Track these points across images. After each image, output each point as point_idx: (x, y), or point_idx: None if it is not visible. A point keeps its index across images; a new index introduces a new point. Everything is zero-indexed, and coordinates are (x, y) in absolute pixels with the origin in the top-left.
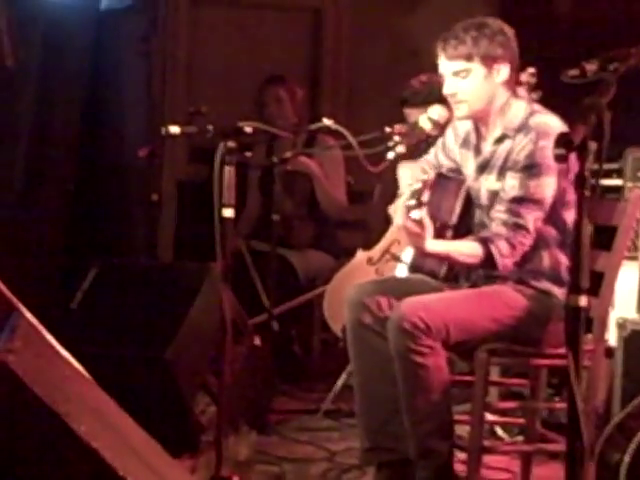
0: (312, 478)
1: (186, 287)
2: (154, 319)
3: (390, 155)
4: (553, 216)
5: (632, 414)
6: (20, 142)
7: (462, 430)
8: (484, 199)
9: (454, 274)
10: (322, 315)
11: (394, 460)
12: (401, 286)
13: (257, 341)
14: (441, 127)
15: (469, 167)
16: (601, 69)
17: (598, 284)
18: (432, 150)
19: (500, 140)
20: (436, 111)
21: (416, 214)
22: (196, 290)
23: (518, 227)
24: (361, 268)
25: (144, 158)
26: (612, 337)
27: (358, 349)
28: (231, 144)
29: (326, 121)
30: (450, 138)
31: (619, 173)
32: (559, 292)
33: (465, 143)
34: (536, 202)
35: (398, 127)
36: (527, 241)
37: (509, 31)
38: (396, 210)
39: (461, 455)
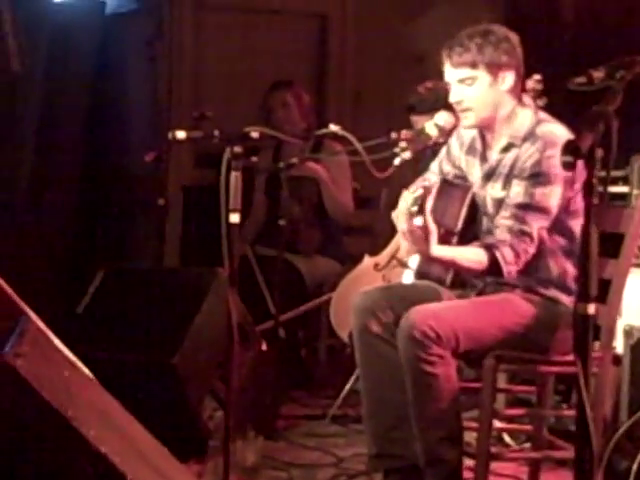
0: None
1: (193, 292)
2: (161, 324)
3: (396, 161)
4: (559, 225)
5: None
6: (25, 146)
7: (470, 437)
8: (490, 207)
9: (461, 281)
10: (329, 321)
11: (401, 466)
12: (407, 292)
13: (264, 346)
14: (447, 133)
15: (475, 174)
16: (608, 77)
17: (605, 291)
18: (434, 164)
19: (506, 149)
20: (442, 117)
21: (419, 220)
22: (203, 295)
23: (523, 234)
24: (368, 274)
25: (150, 163)
26: (619, 345)
27: (365, 355)
28: (237, 149)
29: (333, 127)
30: (455, 146)
31: (625, 180)
32: (567, 300)
33: (471, 150)
34: (541, 210)
35: (404, 133)
36: (531, 249)
37: (514, 38)
38: (398, 216)
39: (469, 462)
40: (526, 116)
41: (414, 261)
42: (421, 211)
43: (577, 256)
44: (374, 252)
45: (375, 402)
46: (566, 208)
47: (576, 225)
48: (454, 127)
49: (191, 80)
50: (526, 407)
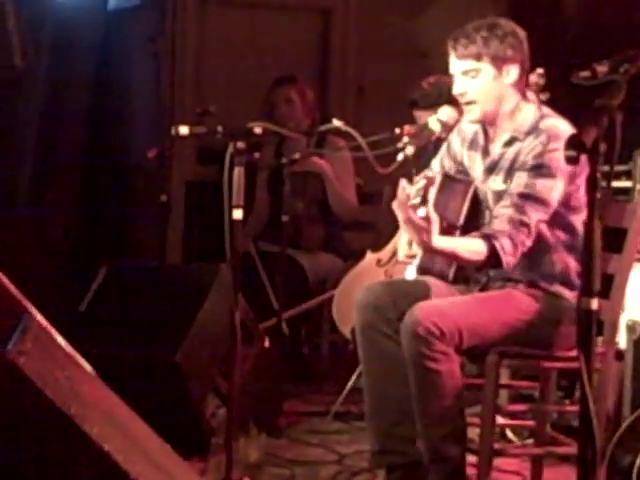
0: None
1: (195, 288)
2: (163, 321)
3: (399, 156)
4: (560, 220)
5: None
6: (28, 142)
7: (472, 433)
8: (491, 201)
9: (464, 276)
10: (331, 317)
11: (404, 463)
12: (410, 288)
13: (267, 343)
14: (450, 128)
15: (477, 169)
16: (612, 71)
17: (608, 287)
18: (435, 161)
19: (509, 143)
20: (445, 112)
21: (422, 212)
22: (205, 291)
23: (522, 225)
24: (370, 270)
25: (153, 159)
26: (622, 340)
27: (368, 351)
28: (240, 145)
29: (336, 122)
30: (455, 142)
31: (628, 175)
32: (570, 295)
33: (473, 145)
34: (542, 202)
35: (407, 128)
36: (528, 242)
37: (521, 33)
38: (399, 207)
39: (472, 458)
40: (530, 111)
41: (417, 257)
42: (424, 202)
43: (580, 251)
44: (377, 248)
45: (378, 398)
46: (567, 203)
47: (577, 220)
48: (457, 122)
49: (194, 76)
50: (529, 403)
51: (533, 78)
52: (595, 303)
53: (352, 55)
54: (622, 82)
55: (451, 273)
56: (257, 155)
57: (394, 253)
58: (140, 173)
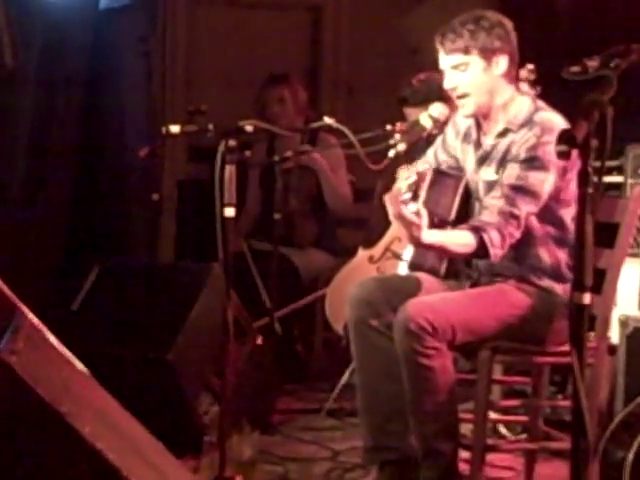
0: (315, 477)
1: (188, 287)
2: (156, 319)
3: (391, 153)
4: (549, 214)
5: (635, 412)
6: (20, 142)
7: (465, 429)
8: (482, 191)
9: (455, 271)
10: (324, 314)
11: (397, 459)
12: (402, 284)
13: (259, 341)
14: (441, 125)
15: (469, 161)
16: (603, 65)
17: (600, 281)
18: (429, 151)
19: (502, 134)
20: (437, 109)
21: (413, 207)
22: (198, 290)
23: (512, 217)
24: (362, 266)
25: (144, 158)
26: (615, 335)
27: (360, 347)
28: (232, 143)
29: (327, 120)
30: (450, 134)
31: (620, 170)
32: (560, 289)
33: (466, 138)
34: (533, 195)
35: (399, 125)
36: (517, 234)
37: (508, 24)
38: (390, 201)
39: (465, 454)
40: (524, 103)
41: (408, 253)
42: (415, 197)
43: (569, 245)
44: (369, 244)
45: (370, 394)
46: (557, 197)
47: (567, 214)
48: (448, 119)
49: (185, 75)
50: (522, 398)
51: (523, 74)
52: (587, 298)
53: (343, 52)
54: (613, 77)
55: (442, 269)
56: (248, 153)
57: (386, 249)
58: (132, 172)
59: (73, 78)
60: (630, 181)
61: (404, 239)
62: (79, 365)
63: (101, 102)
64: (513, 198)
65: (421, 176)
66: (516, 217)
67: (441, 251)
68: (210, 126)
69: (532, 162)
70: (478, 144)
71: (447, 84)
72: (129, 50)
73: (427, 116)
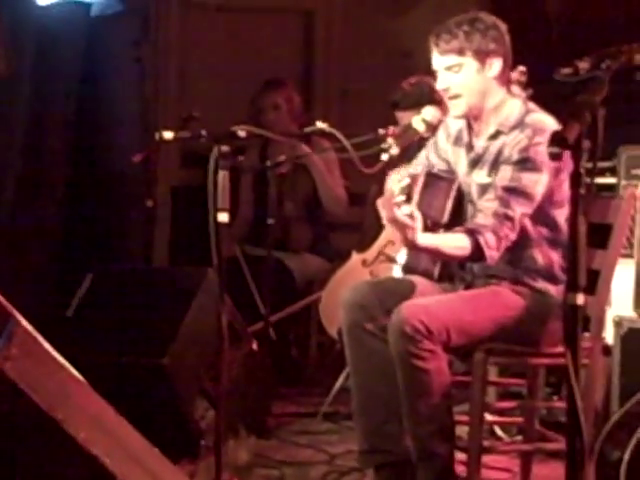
0: None
1: (182, 292)
2: (151, 325)
3: (384, 157)
4: (542, 215)
5: (631, 412)
6: (13, 148)
7: (461, 431)
8: (475, 194)
9: (449, 274)
10: (319, 319)
11: (393, 462)
12: (396, 287)
13: (254, 345)
14: (434, 128)
15: (461, 164)
16: (593, 67)
17: (594, 282)
18: (422, 153)
19: (494, 136)
20: (429, 112)
21: (406, 209)
22: (192, 295)
23: (506, 218)
24: (356, 270)
25: (138, 164)
26: (609, 335)
27: (355, 350)
28: (225, 148)
29: (320, 124)
30: (442, 137)
31: (613, 171)
32: (555, 290)
33: (457, 140)
34: (526, 196)
35: (391, 129)
36: (512, 235)
37: (502, 26)
38: (384, 205)
39: (461, 456)
40: (515, 105)
41: (402, 256)
42: (408, 200)
43: (563, 246)
44: (362, 248)
45: (365, 397)
46: (550, 198)
47: (560, 215)
48: (441, 122)
49: (178, 80)
50: (517, 400)
51: (515, 75)
52: (581, 298)
53: (335, 56)
54: (604, 78)
55: (436, 271)
56: (241, 159)
57: (379, 253)
58: (125, 178)
59: (66, 85)
60: (623, 182)
61: (398, 242)
62: (73, 371)
63: (94, 108)
64: (507, 200)
65: (414, 179)
66: (510, 219)
67: (436, 254)
68: (203, 132)
69: (525, 163)
70: (470, 147)
71: (440, 85)
72: (122, 56)
73: (420, 120)
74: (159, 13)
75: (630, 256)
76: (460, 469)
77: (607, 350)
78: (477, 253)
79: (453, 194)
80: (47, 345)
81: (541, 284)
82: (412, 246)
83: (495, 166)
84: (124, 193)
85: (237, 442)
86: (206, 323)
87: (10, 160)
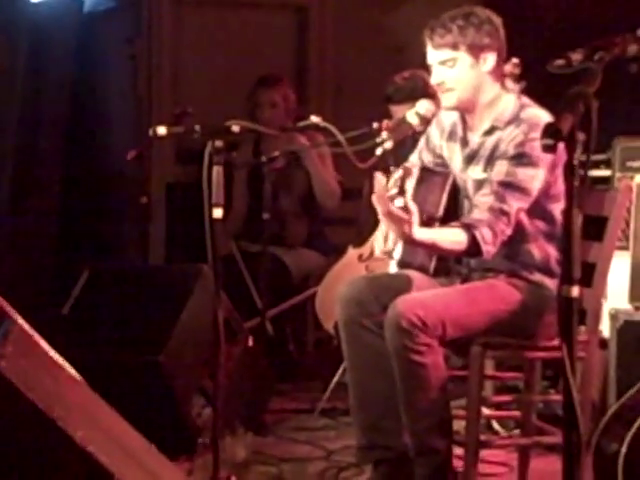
0: (310, 477)
1: (178, 289)
2: (147, 322)
3: (378, 151)
4: (539, 209)
5: (628, 404)
6: (7, 146)
7: (458, 425)
8: (471, 190)
9: (445, 268)
10: (315, 314)
11: (391, 457)
12: (392, 282)
13: (251, 342)
14: (428, 122)
15: (456, 159)
16: (586, 58)
17: (590, 275)
18: (414, 153)
19: (489, 132)
20: (424, 106)
21: (400, 202)
22: (188, 292)
23: (502, 213)
24: (352, 265)
25: (132, 161)
26: (605, 328)
27: (351, 345)
28: (219, 143)
29: (314, 118)
30: (434, 134)
31: (607, 164)
32: (551, 283)
33: (451, 136)
34: (522, 191)
35: (386, 123)
36: (508, 230)
37: (497, 20)
38: (378, 200)
39: (458, 450)
40: (510, 100)
41: (397, 251)
42: (401, 193)
43: (559, 240)
44: (358, 243)
45: (362, 393)
46: (546, 192)
47: (556, 209)
48: (435, 115)
49: (171, 77)
50: (514, 394)
51: (508, 68)
52: (575, 291)
53: (329, 51)
54: (597, 69)
55: (432, 266)
56: (234, 154)
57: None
58: (120, 175)
59: (59, 82)
60: (618, 174)
61: (394, 237)
62: (70, 369)
63: (88, 105)
64: (503, 194)
65: (407, 171)
66: (506, 213)
67: (433, 248)
68: (197, 127)
69: (521, 158)
70: (464, 142)
71: (434, 79)
72: (115, 53)
73: (414, 113)
74: (151, 9)
75: (626, 248)
76: (458, 463)
77: (603, 343)
78: (473, 248)
79: (448, 188)
80: (43, 343)
81: (538, 277)
82: (409, 240)
83: (491, 161)
84: (119, 190)
85: (234, 439)
86: (202, 320)
87: (4, 158)
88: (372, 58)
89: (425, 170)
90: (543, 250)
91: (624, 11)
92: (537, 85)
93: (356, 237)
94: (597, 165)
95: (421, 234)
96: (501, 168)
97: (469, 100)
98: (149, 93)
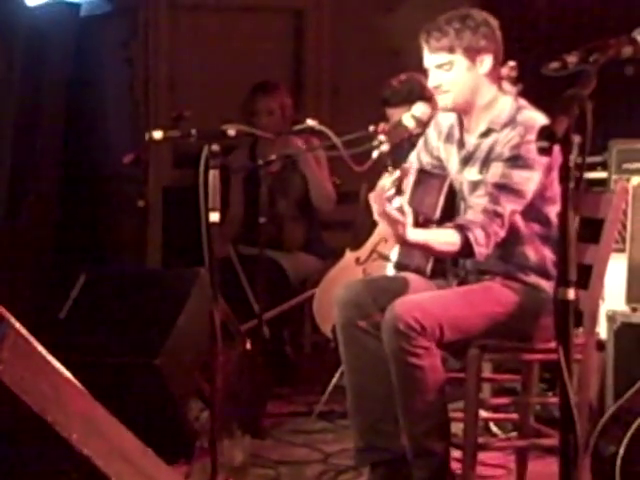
0: None
1: (175, 293)
2: (144, 326)
3: (375, 154)
4: (535, 211)
5: (625, 406)
6: (3, 150)
7: (456, 428)
8: (466, 191)
9: (442, 270)
10: (313, 317)
11: (388, 459)
12: (390, 284)
13: (248, 345)
14: (424, 125)
15: (452, 161)
16: (582, 61)
17: (587, 277)
18: (412, 154)
19: (486, 134)
20: (420, 109)
21: (396, 202)
22: (185, 295)
23: (496, 215)
24: (349, 268)
25: (129, 164)
26: (603, 330)
27: (349, 348)
28: (215, 147)
29: (310, 122)
30: (432, 136)
31: (604, 166)
32: (547, 285)
33: (449, 137)
34: (517, 193)
35: (382, 126)
36: (501, 232)
37: (493, 23)
38: (375, 200)
39: (456, 453)
40: (506, 102)
41: (395, 254)
42: (398, 193)
43: (555, 242)
44: (355, 246)
45: (360, 396)
46: (542, 194)
47: (552, 211)
48: (431, 118)
49: (168, 80)
50: (512, 396)
51: (505, 70)
52: (571, 293)
53: (326, 55)
54: (592, 72)
55: (428, 268)
56: (229, 158)
57: (372, 251)
58: (117, 179)
59: (56, 85)
60: (614, 176)
61: (390, 239)
62: (66, 373)
63: (84, 109)
64: (497, 196)
65: (404, 172)
66: (500, 215)
67: (426, 249)
68: (193, 131)
69: (516, 161)
70: (461, 144)
71: (431, 82)
72: (111, 56)
73: (410, 116)
74: (148, 13)
75: (622, 250)
76: (455, 466)
77: (601, 345)
78: (466, 249)
79: (445, 190)
80: (40, 347)
81: (534, 279)
82: (402, 241)
83: (486, 163)
84: (116, 194)
85: (232, 442)
86: (199, 323)
87: (1, 162)
88: (369, 61)
89: (422, 172)
90: (539, 252)
91: (620, 14)
92: (535, 87)
93: (353, 240)
94: (593, 167)
95: (414, 235)
96: (496, 170)
97: (466, 102)
98: (146, 97)
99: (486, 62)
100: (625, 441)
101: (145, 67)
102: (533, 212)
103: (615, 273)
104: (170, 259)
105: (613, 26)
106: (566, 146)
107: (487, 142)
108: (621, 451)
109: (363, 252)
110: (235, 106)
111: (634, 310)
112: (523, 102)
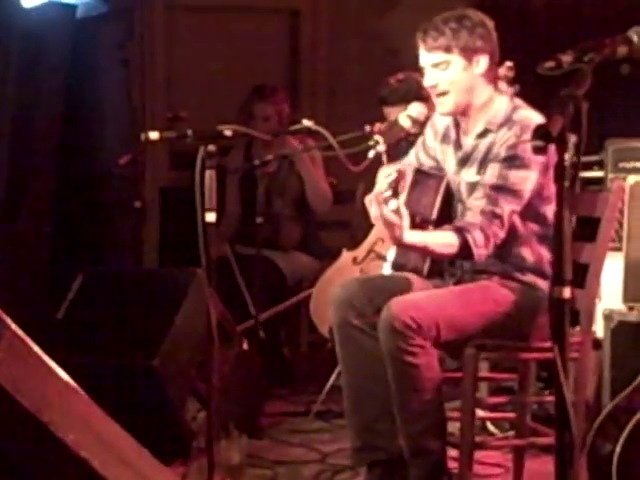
0: None
1: (172, 293)
2: (141, 326)
3: (371, 154)
4: (532, 211)
5: (622, 405)
6: (1, 152)
7: (453, 427)
8: (464, 192)
9: (439, 269)
10: (309, 317)
11: (385, 459)
12: (386, 283)
13: (245, 345)
14: (421, 124)
15: (449, 162)
16: (576, 60)
17: (583, 276)
18: (412, 151)
19: (482, 134)
20: (416, 109)
21: (393, 204)
22: (182, 296)
23: (494, 216)
24: (346, 268)
25: (125, 165)
26: (599, 329)
27: (346, 348)
28: (211, 148)
29: (306, 122)
30: (429, 136)
31: (600, 165)
32: (544, 285)
33: (445, 138)
34: (514, 193)
35: (378, 126)
36: (501, 233)
37: (489, 23)
38: (372, 202)
39: (453, 452)
40: (502, 102)
41: (391, 253)
42: (395, 194)
43: (552, 241)
44: (352, 246)
45: (357, 395)
46: (539, 194)
47: (549, 211)
48: (427, 118)
49: (164, 81)
50: (509, 395)
51: (502, 71)
52: (567, 292)
53: (322, 55)
54: (587, 71)
55: (425, 268)
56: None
57: (369, 251)
58: (114, 180)
59: (52, 87)
60: (610, 175)
61: (387, 240)
62: (63, 374)
63: (81, 110)
64: (495, 197)
65: (401, 174)
66: (499, 216)
67: (424, 251)
68: (189, 132)
69: (513, 161)
70: (458, 145)
71: (427, 82)
72: (107, 58)
73: (406, 116)
74: (144, 15)
75: (619, 249)
76: (452, 465)
77: (597, 344)
78: (465, 251)
79: (442, 191)
80: (36, 348)
81: (530, 278)
82: (399, 244)
83: (484, 164)
84: (113, 195)
85: (229, 442)
86: (196, 324)
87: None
88: (365, 61)
89: (419, 172)
90: (536, 252)
91: (616, 13)
92: (532, 88)
93: (350, 240)
94: (590, 166)
95: (412, 237)
96: (493, 171)
97: (464, 103)
98: (142, 98)
99: (482, 62)
100: (622, 439)
101: (141, 68)
102: (531, 211)
103: (612, 272)
104: (167, 259)
105: (611, 26)
106: (561, 145)
107: (485, 143)
108: (618, 449)
109: (360, 252)
110: (231, 107)
111: (631, 309)
112: (519, 102)
